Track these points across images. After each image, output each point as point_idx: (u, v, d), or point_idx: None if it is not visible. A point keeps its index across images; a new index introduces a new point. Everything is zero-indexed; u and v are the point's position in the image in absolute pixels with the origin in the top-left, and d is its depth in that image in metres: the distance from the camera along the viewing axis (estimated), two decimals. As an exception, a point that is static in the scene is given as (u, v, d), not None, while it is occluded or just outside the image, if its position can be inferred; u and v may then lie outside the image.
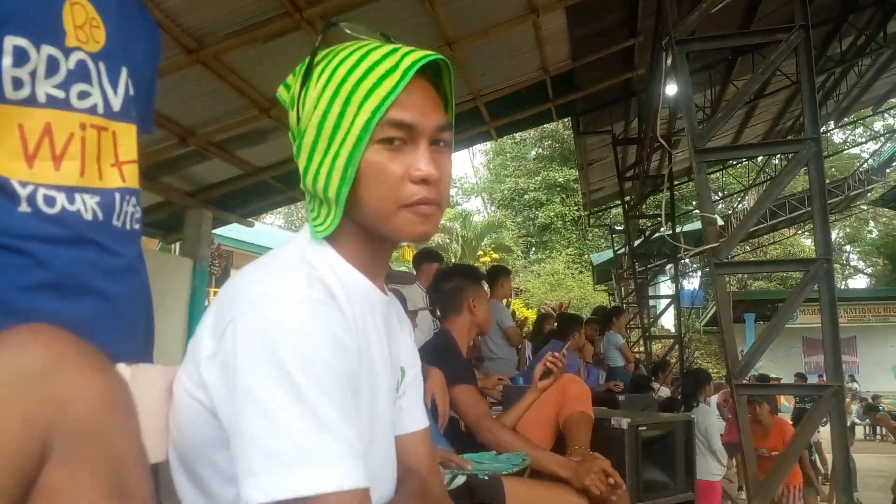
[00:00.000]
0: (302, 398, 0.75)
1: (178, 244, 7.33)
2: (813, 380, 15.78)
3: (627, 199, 10.67)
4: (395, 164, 0.86)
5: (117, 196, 1.04)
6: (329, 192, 0.87)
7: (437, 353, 2.30)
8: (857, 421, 16.20)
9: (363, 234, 0.92)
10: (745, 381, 2.86)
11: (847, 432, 2.71)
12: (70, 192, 0.97)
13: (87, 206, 0.99)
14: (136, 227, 1.09)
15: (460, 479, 1.91)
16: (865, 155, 21.08)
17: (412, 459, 1.04)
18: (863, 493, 7.80)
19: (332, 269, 0.89)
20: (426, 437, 1.09)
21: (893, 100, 12.80)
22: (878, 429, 15.08)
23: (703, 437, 4.69)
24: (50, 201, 0.95)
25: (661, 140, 4.96)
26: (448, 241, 22.77)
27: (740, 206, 17.24)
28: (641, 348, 11.67)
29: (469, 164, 35.61)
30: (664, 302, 14.19)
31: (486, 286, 2.43)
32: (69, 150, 0.98)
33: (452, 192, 34.25)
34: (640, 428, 2.54)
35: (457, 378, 2.24)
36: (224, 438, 0.80)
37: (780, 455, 3.53)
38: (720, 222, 14.85)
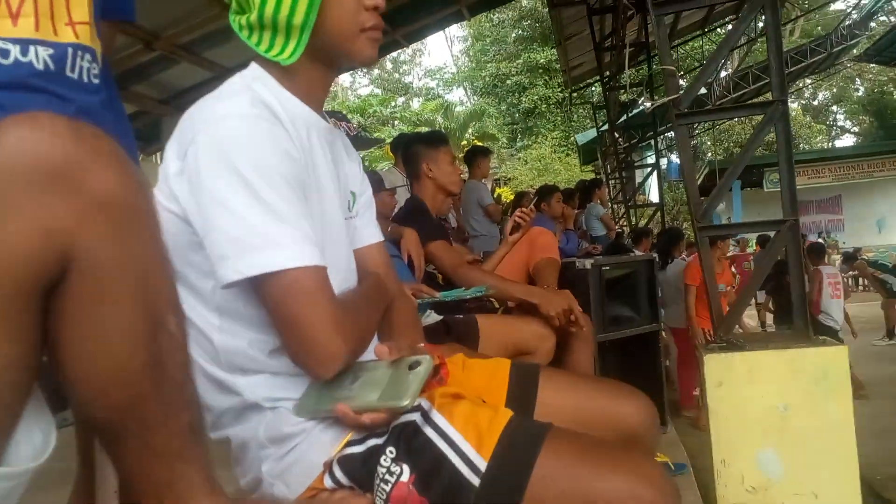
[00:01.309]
0: (258, 196, 0.92)
1: (158, 154, 7.35)
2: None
3: (607, 73, 10.55)
4: None
5: (70, 50, 1.20)
6: (294, 20, 1.00)
7: (409, 216, 2.49)
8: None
9: (310, 62, 1.07)
10: (707, 224, 3.03)
11: (802, 264, 2.91)
12: (24, 44, 1.12)
13: (39, 57, 1.14)
14: (96, 81, 1.24)
15: (435, 317, 2.13)
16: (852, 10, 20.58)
17: (370, 265, 1.24)
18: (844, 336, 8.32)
19: (275, 96, 1.04)
20: (381, 249, 1.28)
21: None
22: (860, 280, 15.62)
23: (676, 289, 5.00)
24: (4, 53, 1.11)
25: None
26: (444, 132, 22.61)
27: (721, 73, 17.01)
28: (625, 221, 11.93)
29: (448, 53, 34.61)
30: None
31: (444, 151, 2.54)
32: (24, 7, 1.12)
33: (433, 83, 33.71)
34: (604, 268, 2.76)
35: (430, 235, 2.42)
36: (198, 241, 0.97)
37: (742, 288, 3.82)
38: (702, 90, 14.73)
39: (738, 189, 21.19)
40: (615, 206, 12.65)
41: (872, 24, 17.05)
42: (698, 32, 11.80)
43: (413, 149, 2.56)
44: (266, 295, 0.95)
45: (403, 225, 2.42)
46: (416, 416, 1.01)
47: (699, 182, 21.25)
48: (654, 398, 3.27)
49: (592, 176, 16.31)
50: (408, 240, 2.35)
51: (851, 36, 16.22)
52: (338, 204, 1.13)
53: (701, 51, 16.92)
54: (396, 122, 25.71)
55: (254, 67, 1.08)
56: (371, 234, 1.27)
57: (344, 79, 31.05)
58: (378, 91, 32.20)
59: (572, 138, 24.56)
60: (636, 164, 13.30)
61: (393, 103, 28.38)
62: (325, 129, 1.14)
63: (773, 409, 2.56)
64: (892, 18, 16.78)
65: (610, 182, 13.16)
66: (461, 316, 2.28)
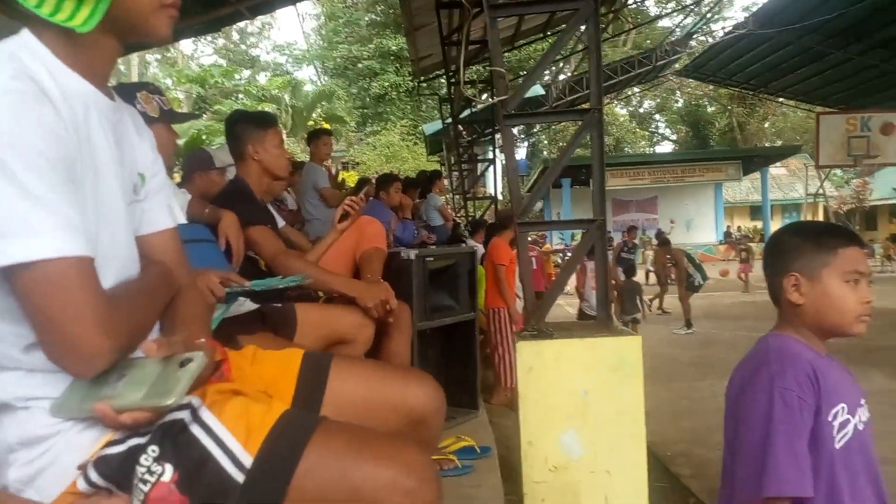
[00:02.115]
0: (14, 180, 0.84)
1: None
2: (618, 236, 17.68)
3: (452, 67, 10.75)
4: None
5: None
6: None
7: (231, 197, 2.37)
8: (650, 268, 18.54)
9: (96, 34, 0.97)
10: (525, 220, 3.18)
11: (607, 260, 3.15)
12: None
13: None
14: None
15: (250, 306, 2.08)
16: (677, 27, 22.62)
17: (157, 254, 1.17)
18: (648, 326, 9.25)
19: (46, 68, 0.95)
20: (172, 236, 1.22)
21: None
22: (671, 277, 17.27)
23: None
24: None
25: (462, -2, 5.04)
26: (278, 110, 21.86)
27: (560, 76, 18.03)
28: (463, 212, 12.33)
29: (300, 29, 33.56)
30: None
31: (271, 133, 2.45)
32: None
33: (281, 59, 32.58)
34: (427, 259, 2.84)
35: (251, 219, 2.34)
36: None
37: (554, 282, 4.14)
38: (541, 91, 15.52)
39: (567, 187, 22.70)
40: (456, 197, 13.00)
41: (693, 43, 18.81)
42: (540, 35, 12.36)
43: (238, 128, 2.43)
44: (19, 287, 0.87)
45: (223, 206, 2.31)
46: (183, 415, 0.99)
47: (535, 177, 22.31)
48: (468, 383, 3.43)
49: (438, 166, 16.67)
50: (226, 223, 2.25)
51: (674, 52, 17.81)
52: (118, 187, 1.05)
53: (544, 53, 17.75)
54: (240, 96, 24.56)
55: (25, 34, 0.97)
56: (161, 219, 1.20)
57: (185, 45, 29.16)
58: (222, 62, 30.57)
59: (420, 128, 24.92)
60: (479, 158, 13.74)
61: (238, 76, 27.08)
62: (108, 107, 1.06)
63: (576, 394, 2.76)
64: (710, 39, 18.66)
65: (453, 173, 13.50)
66: (279, 304, 2.24)
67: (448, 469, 2.63)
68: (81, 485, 0.94)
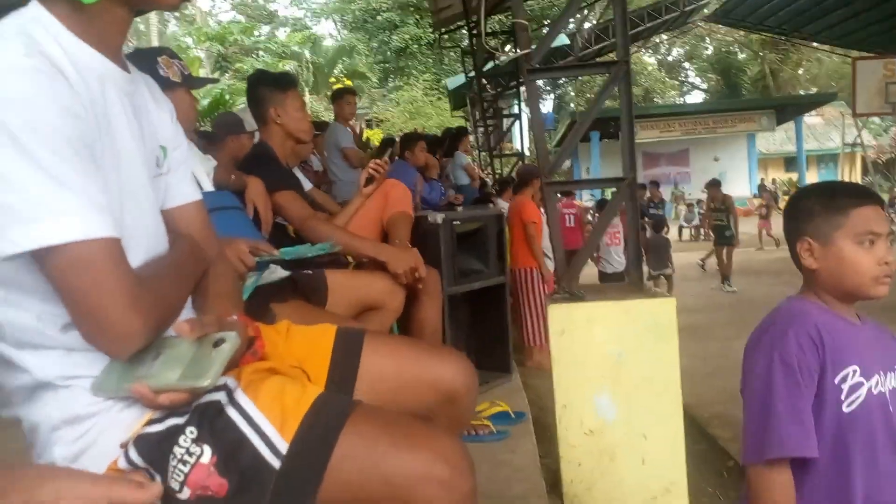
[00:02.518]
0: (35, 161, 0.81)
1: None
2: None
3: (474, 17, 10.47)
4: None
5: None
6: None
7: (255, 163, 2.33)
8: (683, 224, 18.26)
9: (105, 3, 0.93)
10: (552, 180, 3.10)
11: (638, 219, 3.07)
12: None
13: None
14: None
15: (281, 273, 2.05)
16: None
17: (183, 227, 1.15)
18: (684, 281, 9.11)
19: (58, 43, 0.90)
20: (198, 208, 1.19)
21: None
22: (701, 231, 17.04)
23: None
24: None
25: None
26: (299, 68, 21.67)
27: (585, 24, 17.53)
28: (490, 169, 12.19)
29: (317, -19, 33.01)
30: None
31: (291, 95, 2.39)
32: None
33: (300, 13, 32.13)
34: (455, 222, 2.78)
35: (278, 185, 2.30)
36: None
37: (586, 241, 4.07)
38: (566, 41, 15.11)
39: (596, 140, 22.23)
40: (482, 154, 12.84)
41: (722, -15, 18.09)
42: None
43: (259, 91, 2.38)
44: (50, 270, 0.85)
45: (248, 174, 2.27)
46: (220, 396, 0.98)
47: (563, 132, 21.96)
48: (501, 347, 3.41)
49: (462, 122, 16.42)
50: (253, 190, 2.22)
51: (703, -5, 17.17)
52: (140, 161, 1.02)
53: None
54: (261, 53, 24.37)
55: (34, 6, 0.93)
56: (186, 191, 1.17)
57: (203, 2, 28.89)
58: (241, 18, 30.28)
59: (443, 82, 24.55)
60: (504, 113, 13.51)
61: (256, 32, 26.82)
62: (124, 79, 1.01)
63: (610, 356, 2.72)
64: (740, -17, 17.94)
65: (478, 129, 13.30)
66: (310, 272, 2.21)
67: (483, 434, 2.62)
68: (122, 463, 0.95)
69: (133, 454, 0.94)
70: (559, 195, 7.96)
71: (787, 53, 31.45)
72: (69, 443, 0.95)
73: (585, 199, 18.36)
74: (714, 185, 10.02)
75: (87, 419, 0.95)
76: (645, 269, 8.89)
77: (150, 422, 0.97)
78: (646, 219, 9.29)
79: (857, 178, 27.35)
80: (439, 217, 2.75)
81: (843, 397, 1.20)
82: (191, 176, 1.20)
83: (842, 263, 1.24)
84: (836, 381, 1.20)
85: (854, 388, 1.20)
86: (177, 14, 27.42)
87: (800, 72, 33.89)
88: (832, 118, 29.14)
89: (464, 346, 3.21)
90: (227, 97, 14.12)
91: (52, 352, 0.94)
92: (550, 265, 5.35)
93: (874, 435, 1.21)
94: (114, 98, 0.97)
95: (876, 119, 20.14)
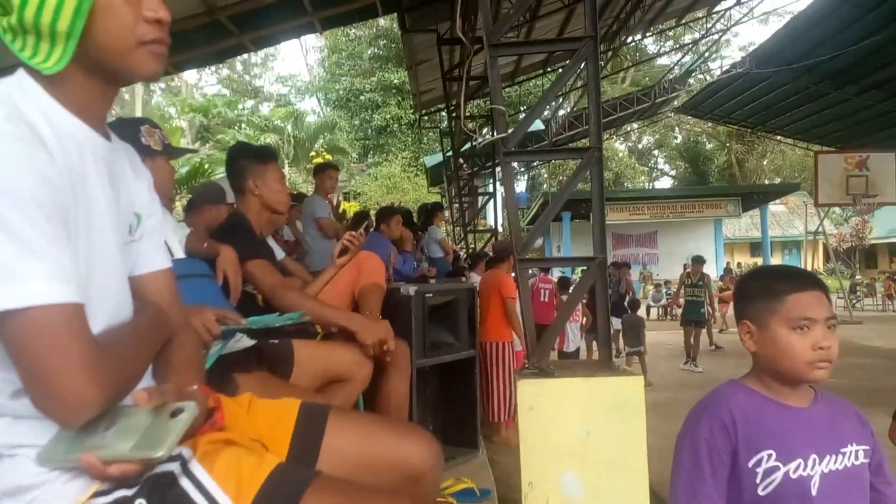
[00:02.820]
0: (4, 225, 0.82)
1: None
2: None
3: (453, 102, 10.86)
4: (127, 2, 0.94)
5: None
6: (58, 27, 0.90)
7: (229, 232, 2.35)
8: (651, 303, 18.51)
9: (85, 74, 0.96)
10: (525, 257, 3.16)
11: (607, 298, 3.12)
12: None
13: None
14: None
15: (247, 342, 2.04)
16: (675, 65, 22.94)
17: (151, 295, 1.14)
18: (652, 360, 9.18)
19: (40, 110, 0.93)
20: (167, 277, 1.19)
21: (697, 13, 13.96)
22: (669, 310, 17.28)
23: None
24: None
25: (461, 35, 5.11)
26: (280, 141, 22.02)
27: (560, 112, 18.22)
28: (464, 244, 12.35)
29: (303, 61, 33.99)
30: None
31: (272, 167, 2.44)
32: None
33: (284, 90, 32.90)
34: (427, 295, 2.81)
35: (250, 254, 2.31)
36: None
37: (556, 318, 4.13)
38: (541, 126, 15.66)
39: (567, 220, 22.76)
40: (457, 229, 13.02)
41: (691, 81, 19.04)
42: (540, 71, 12.51)
43: (239, 162, 2.41)
44: (6, 334, 0.84)
45: (221, 242, 2.29)
46: (173, 466, 0.95)
47: (535, 210, 22.40)
48: (468, 422, 3.37)
49: (438, 198, 16.73)
50: (224, 258, 2.22)
51: (672, 89, 18.04)
52: (111, 228, 1.03)
53: (543, 88, 17.96)
54: (243, 126, 24.75)
55: (20, 74, 0.96)
56: (157, 259, 1.17)
57: (189, 76, 29.49)
58: (226, 91, 30.90)
59: (421, 160, 25.08)
60: (479, 191, 13.80)
61: (240, 106, 27.34)
62: (104, 148, 1.04)
63: (577, 434, 2.71)
64: (708, 77, 18.86)
65: (454, 206, 13.55)
66: (276, 341, 2.20)
67: (447, 513, 2.57)
68: None
69: None
70: (537, 271, 8.11)
71: (753, 145, 32.86)
72: None
73: (555, 276, 18.60)
74: (698, 261, 10.30)
75: (30, 490, 0.92)
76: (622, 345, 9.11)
77: (97, 494, 0.93)
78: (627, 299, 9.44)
79: (819, 264, 28.15)
80: (412, 289, 2.78)
81: (758, 480, 1.21)
82: (162, 244, 1.20)
83: (777, 348, 1.25)
84: (750, 464, 1.22)
85: (769, 471, 1.21)
86: (162, 85, 27.93)
87: (764, 162, 35.27)
88: (795, 206, 30.33)
89: (431, 420, 3.17)
90: (206, 166, 14.22)
91: (0, 419, 0.92)
92: (518, 341, 5.38)
93: None
94: (92, 166, 0.99)
95: (837, 209, 20.92)
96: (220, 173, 11.94)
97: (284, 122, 23.75)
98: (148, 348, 1.06)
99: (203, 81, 33.41)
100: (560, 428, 2.71)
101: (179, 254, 2.08)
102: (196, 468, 0.96)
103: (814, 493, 1.20)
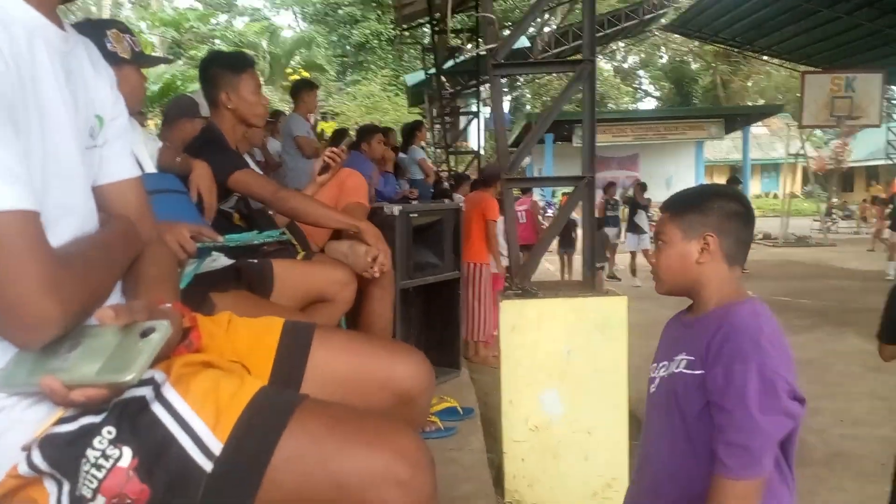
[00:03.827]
0: None
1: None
2: (600, 192, 17.69)
3: (437, 14, 10.45)
4: None
5: None
6: None
7: (204, 147, 2.23)
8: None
9: None
10: (512, 176, 3.10)
11: (594, 219, 3.09)
12: None
13: None
14: None
15: (224, 261, 1.98)
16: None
17: (119, 206, 1.05)
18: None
19: None
20: (136, 187, 1.10)
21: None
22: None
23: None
24: None
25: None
26: (255, 57, 21.24)
27: (545, 28, 17.70)
28: (445, 165, 12.19)
29: (278, -28, 32.42)
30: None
31: (246, 77, 2.29)
32: None
33: (259, 3, 31.53)
34: (411, 214, 2.75)
35: (234, 165, 2.20)
36: None
37: (540, 239, 4.11)
38: (526, 43, 15.21)
39: (549, 142, 22.50)
40: (438, 150, 12.83)
41: (679, -4, 18.51)
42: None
43: (211, 72, 2.26)
44: None
45: (195, 157, 2.18)
46: (145, 391, 0.88)
47: (518, 133, 22.23)
48: (451, 343, 3.39)
49: (420, 118, 16.39)
50: (198, 174, 2.12)
51: (661, 6, 17.52)
52: (71, 130, 0.92)
53: (528, 3, 17.38)
54: (217, 42, 23.81)
55: None
56: (124, 167, 1.07)
57: (160, -12, 28.01)
58: (198, 6, 29.53)
59: (402, 78, 24.42)
60: (461, 111, 13.52)
61: (214, 20, 26.18)
62: (58, 37, 0.92)
63: (559, 353, 2.73)
64: (696, -6, 18.37)
65: (436, 126, 13.28)
66: (255, 261, 2.14)
67: (431, 431, 2.60)
68: (23, 468, 0.84)
69: (37, 458, 0.84)
70: (519, 193, 8.07)
71: (738, 65, 32.38)
72: None
73: (537, 198, 18.58)
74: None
75: None
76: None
77: (60, 421, 0.86)
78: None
79: (797, 187, 28.37)
80: (396, 209, 2.71)
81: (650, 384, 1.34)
82: (129, 151, 1.10)
83: None
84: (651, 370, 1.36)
85: (652, 378, 1.33)
86: (132, -1, 26.64)
87: (749, 84, 34.89)
88: (777, 129, 30.21)
89: (413, 341, 3.18)
90: (179, 83, 13.73)
91: None
92: (503, 262, 5.39)
93: (652, 418, 1.32)
94: (44, 57, 0.88)
95: (818, 132, 20.91)
96: (192, 90, 11.53)
97: (259, 38, 22.88)
98: (115, 263, 0.97)
99: (173, -7, 31.83)
100: (541, 347, 2.73)
101: (151, 168, 1.98)
102: (170, 393, 0.90)
103: (651, 390, 1.31)
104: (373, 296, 2.35)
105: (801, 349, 5.15)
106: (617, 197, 11.24)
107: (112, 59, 1.77)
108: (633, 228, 10.28)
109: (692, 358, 1.22)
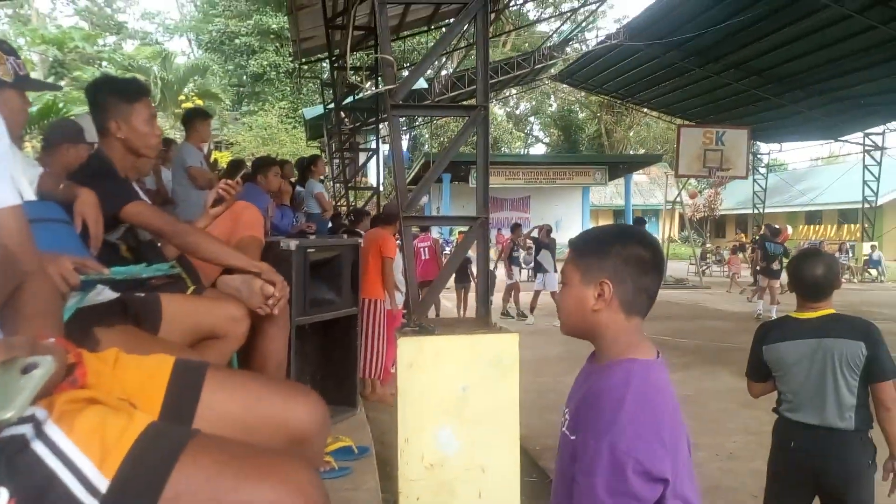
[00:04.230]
0: None
1: None
2: (493, 232, 18.15)
3: (336, 51, 10.51)
4: None
5: None
6: None
7: (93, 176, 2.12)
8: (523, 265, 19.18)
9: None
10: (410, 214, 3.14)
11: (488, 257, 3.18)
12: None
13: None
14: None
15: (109, 295, 1.88)
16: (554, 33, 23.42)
17: None
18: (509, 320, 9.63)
19: None
20: (14, 214, 1.04)
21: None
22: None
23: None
24: None
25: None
26: (145, 82, 20.42)
27: (442, 72, 18.19)
28: (343, 200, 12.15)
29: (172, -2, 31.49)
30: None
31: (139, 106, 2.20)
32: None
33: (151, 28, 30.48)
34: (309, 250, 2.71)
35: (127, 197, 2.11)
36: None
37: (437, 277, 4.16)
38: (424, 85, 15.56)
39: (447, 182, 23.03)
40: (336, 185, 12.76)
41: (568, 49, 19.55)
42: (424, 28, 12.37)
43: (101, 98, 2.15)
44: None
45: (83, 186, 2.06)
46: (25, 429, 0.84)
47: (416, 171, 22.61)
48: (348, 380, 3.34)
49: (317, 151, 16.27)
50: (83, 202, 1.99)
51: (550, 56, 18.46)
52: None
53: (425, 46, 17.82)
54: (104, 64, 22.70)
55: None
56: (2, 193, 1.02)
57: (42, 4, 26.52)
58: (84, 25, 28.11)
59: (300, 111, 24.21)
60: (360, 147, 13.55)
61: (101, 41, 24.98)
62: None
63: (455, 390, 2.76)
64: (584, 47, 19.44)
65: (334, 161, 13.23)
66: (142, 294, 2.04)
67: (326, 471, 2.53)
68: None
69: None
70: (417, 230, 8.21)
71: (622, 116, 34.56)
72: None
73: (434, 236, 18.81)
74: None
75: None
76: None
77: None
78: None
79: (675, 231, 30.35)
80: (293, 244, 2.67)
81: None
82: (9, 177, 1.04)
83: None
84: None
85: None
86: (10, 11, 24.96)
87: (631, 133, 37.22)
88: (657, 177, 32.48)
89: (309, 378, 3.11)
90: (61, 105, 12.95)
91: None
92: (399, 299, 5.40)
93: (560, 469, 1.20)
94: None
95: (693, 181, 22.58)
96: (75, 113, 10.90)
97: (151, 63, 22.02)
98: None
99: (57, 11, 30.23)
100: (438, 384, 2.75)
101: (30, 195, 1.86)
102: (52, 430, 0.86)
103: (563, 451, 1.19)
104: (266, 333, 2.29)
105: (680, 386, 5.47)
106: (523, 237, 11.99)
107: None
108: (538, 268, 10.71)
109: (567, 409, 1.19)
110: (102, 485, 0.83)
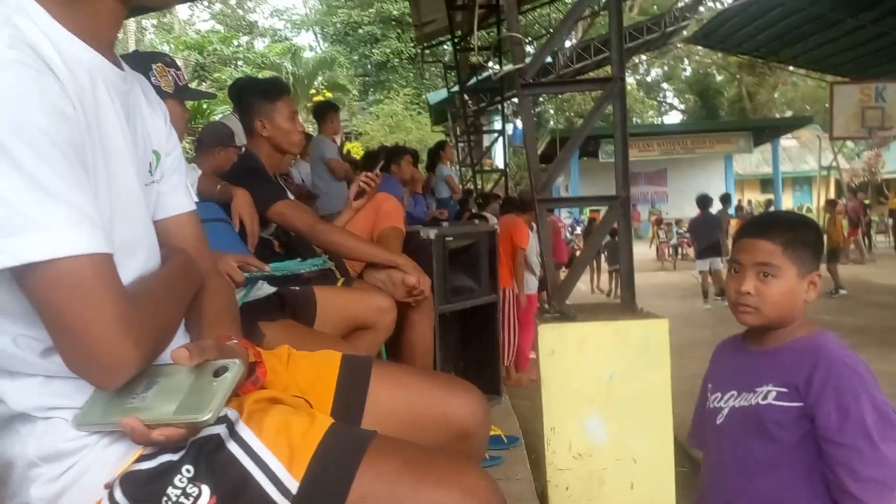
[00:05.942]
0: (18, 167, 0.72)
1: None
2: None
3: (458, 32, 10.49)
4: None
5: None
6: None
7: (243, 176, 2.23)
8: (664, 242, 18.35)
9: None
10: (545, 197, 3.06)
11: (631, 238, 3.03)
12: None
13: None
14: None
15: (268, 289, 1.96)
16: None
17: (177, 240, 1.06)
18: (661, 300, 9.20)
19: (45, 34, 0.82)
20: (192, 220, 1.11)
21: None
22: (679, 250, 17.15)
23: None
24: None
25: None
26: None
27: (566, 43, 17.68)
28: (471, 184, 12.18)
29: (298, -7, 32.87)
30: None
31: (282, 104, 2.28)
32: None
33: (279, 24, 32.01)
34: (447, 238, 2.72)
35: (274, 196, 2.21)
36: None
37: (577, 260, 4.06)
38: (548, 59, 15.20)
39: (575, 158, 22.33)
40: (462, 169, 12.83)
41: (702, 9, 18.40)
42: (547, 0, 12.06)
43: (246, 100, 2.26)
44: (32, 289, 0.76)
45: (236, 185, 2.17)
46: (220, 429, 0.89)
47: (541, 150, 22.31)
48: (491, 368, 3.34)
49: (443, 136, 16.42)
50: (239, 202, 2.11)
51: (682, 18, 17.43)
52: (133, 168, 0.93)
53: (548, 18, 17.40)
54: (239, 63, 24.17)
55: None
56: (180, 201, 1.08)
57: (181, 11, 28.63)
58: (220, 28, 30.07)
59: (424, 96, 24.55)
60: (484, 129, 13.51)
61: (236, 42, 26.62)
62: (117, 77, 0.93)
63: (601, 378, 2.67)
64: (718, 5, 18.23)
65: (459, 145, 13.29)
66: (297, 288, 2.12)
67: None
68: None
69: (119, 495, 0.85)
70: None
71: (764, 76, 32.02)
72: (47, 482, 0.86)
73: (563, 215, 18.41)
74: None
75: (69, 456, 0.86)
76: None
77: (140, 458, 0.88)
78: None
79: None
80: (432, 233, 2.68)
81: (716, 414, 1.34)
82: (184, 184, 1.11)
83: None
84: (710, 398, 1.37)
85: (718, 408, 1.34)
86: (154, 22, 27.18)
87: (776, 95, 34.49)
88: (807, 141, 29.68)
89: (453, 367, 3.13)
90: (205, 106, 13.92)
91: (31, 379, 0.85)
92: (534, 284, 5.33)
93: (725, 448, 1.32)
94: (106, 98, 0.88)
95: (849, 143, 20.60)
96: (218, 113, 11.68)
97: (282, 59, 23.16)
98: (180, 298, 0.98)
99: (195, 17, 32.45)
100: (582, 372, 2.67)
101: (193, 198, 1.98)
102: (244, 431, 0.91)
103: (719, 421, 1.31)
104: (413, 322, 2.32)
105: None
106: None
107: (155, 92, 1.79)
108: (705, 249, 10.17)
109: (784, 390, 1.21)
110: (293, 486, 0.86)
